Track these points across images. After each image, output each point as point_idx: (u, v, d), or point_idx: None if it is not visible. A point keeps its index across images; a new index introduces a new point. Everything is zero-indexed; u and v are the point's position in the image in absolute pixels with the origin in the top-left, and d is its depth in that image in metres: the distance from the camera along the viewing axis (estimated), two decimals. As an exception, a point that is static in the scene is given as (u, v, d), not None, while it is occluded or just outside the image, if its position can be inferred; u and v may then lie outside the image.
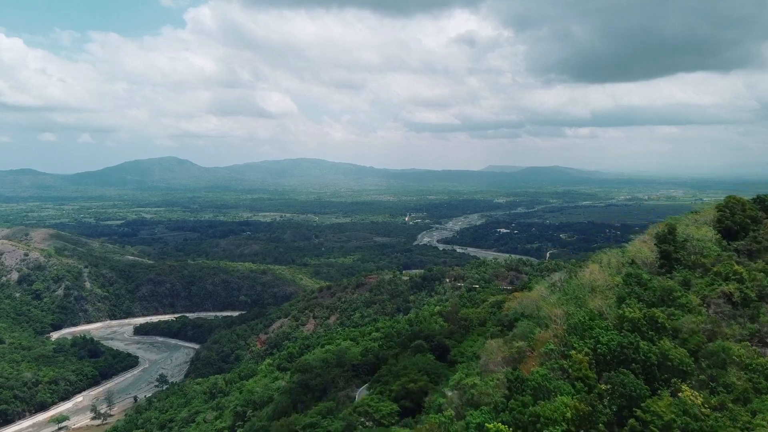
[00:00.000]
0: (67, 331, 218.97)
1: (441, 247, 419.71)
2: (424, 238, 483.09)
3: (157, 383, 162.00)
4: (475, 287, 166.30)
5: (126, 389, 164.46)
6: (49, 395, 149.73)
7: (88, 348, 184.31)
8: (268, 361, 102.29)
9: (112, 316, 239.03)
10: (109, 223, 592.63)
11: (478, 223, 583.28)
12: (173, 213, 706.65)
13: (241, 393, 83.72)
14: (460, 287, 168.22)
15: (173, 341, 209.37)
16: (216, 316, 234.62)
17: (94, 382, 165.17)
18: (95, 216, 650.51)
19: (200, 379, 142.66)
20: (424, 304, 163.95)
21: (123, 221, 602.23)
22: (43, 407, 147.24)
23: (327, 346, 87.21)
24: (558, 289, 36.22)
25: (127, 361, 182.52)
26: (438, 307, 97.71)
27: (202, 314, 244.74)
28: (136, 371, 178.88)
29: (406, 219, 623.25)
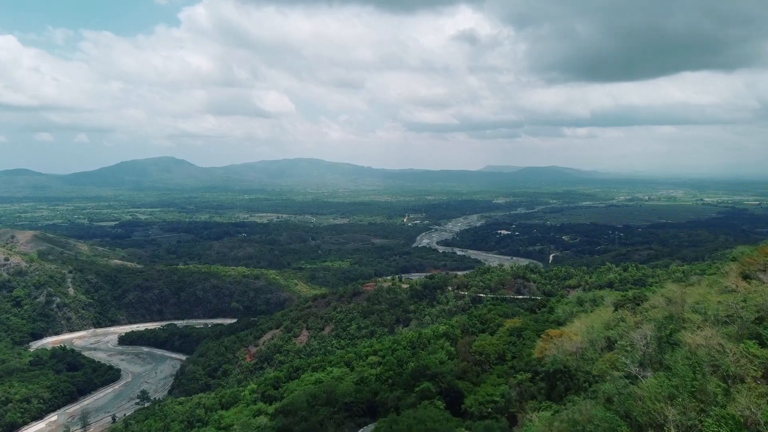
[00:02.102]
0: (48, 341, 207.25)
1: (441, 249, 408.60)
2: (424, 240, 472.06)
3: (138, 400, 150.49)
4: (480, 296, 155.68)
5: (105, 406, 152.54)
6: (19, 415, 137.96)
7: (67, 360, 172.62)
8: (251, 386, 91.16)
9: (97, 324, 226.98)
10: (102, 224, 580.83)
11: (478, 224, 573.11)
12: (168, 214, 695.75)
13: (218, 429, 72.69)
14: (463, 296, 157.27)
15: (159, 352, 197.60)
16: (205, 325, 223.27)
17: (70, 399, 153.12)
18: (89, 217, 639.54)
19: (182, 398, 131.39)
20: (425, 315, 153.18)
21: (117, 222, 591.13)
22: (12, 428, 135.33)
23: (317, 374, 76.15)
24: (642, 352, 25.34)
25: (109, 375, 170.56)
26: (443, 327, 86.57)
27: (192, 321, 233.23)
28: (117, 386, 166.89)
29: (405, 220, 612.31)
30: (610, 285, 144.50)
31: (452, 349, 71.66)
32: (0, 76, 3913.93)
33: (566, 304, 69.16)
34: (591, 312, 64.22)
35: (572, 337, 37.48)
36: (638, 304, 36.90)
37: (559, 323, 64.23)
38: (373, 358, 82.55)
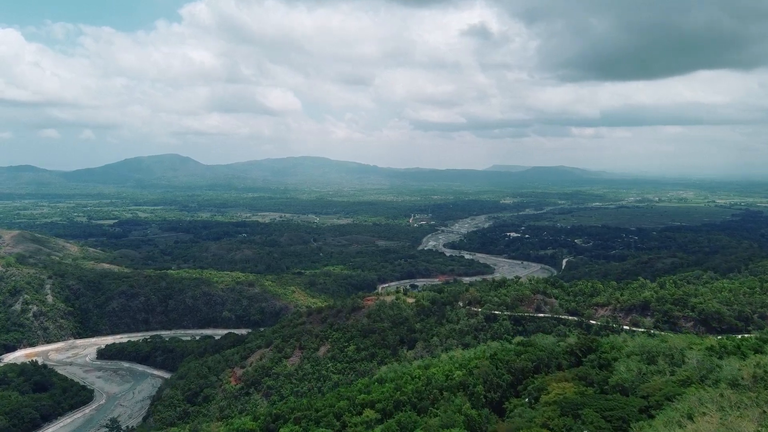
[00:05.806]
0: (22, 353, 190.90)
1: (448, 252, 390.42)
2: (430, 242, 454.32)
3: (107, 430, 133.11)
4: (495, 314, 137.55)
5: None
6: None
7: (35, 379, 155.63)
8: (220, 438, 73.90)
9: (77, 335, 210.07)
10: (101, 222, 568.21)
11: (486, 225, 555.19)
12: (170, 212, 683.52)
13: None
14: (476, 314, 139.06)
15: (140, 368, 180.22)
16: (193, 336, 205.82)
17: (33, 426, 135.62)
18: (89, 215, 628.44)
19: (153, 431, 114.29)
20: (433, 336, 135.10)
21: (116, 221, 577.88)
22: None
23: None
24: None
25: (80, 396, 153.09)
26: (459, 372, 68.36)
27: (180, 332, 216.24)
28: (88, 410, 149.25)
29: (410, 221, 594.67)
30: (646, 304, 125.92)
31: (472, 412, 53.79)
32: (2, 71, 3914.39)
33: (629, 356, 51.24)
34: (670, 375, 46.04)
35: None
36: None
37: (624, 391, 46.11)
38: (369, 413, 64.87)
